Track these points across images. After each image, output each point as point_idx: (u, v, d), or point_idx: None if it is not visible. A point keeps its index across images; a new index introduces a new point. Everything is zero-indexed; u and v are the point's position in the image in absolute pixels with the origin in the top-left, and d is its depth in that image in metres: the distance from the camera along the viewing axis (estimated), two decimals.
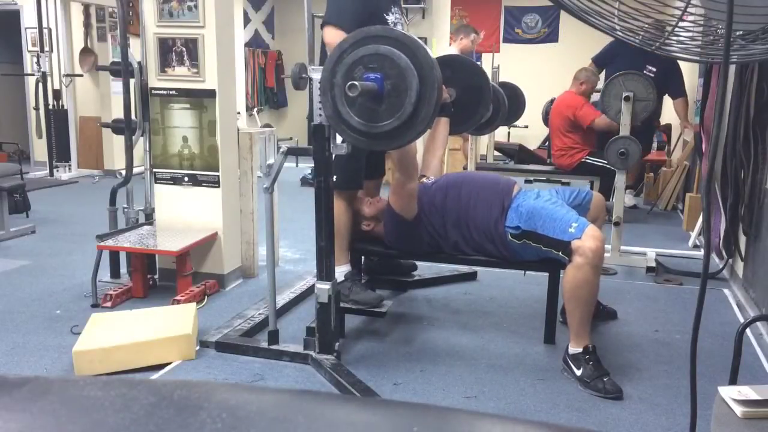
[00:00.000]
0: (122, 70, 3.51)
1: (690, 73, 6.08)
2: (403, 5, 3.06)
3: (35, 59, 7.16)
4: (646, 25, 1.98)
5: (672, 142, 7.02)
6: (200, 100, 3.40)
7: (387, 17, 2.84)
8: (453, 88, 3.21)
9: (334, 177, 2.58)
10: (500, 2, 9.71)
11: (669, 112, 7.45)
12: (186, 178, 3.49)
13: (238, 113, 4.69)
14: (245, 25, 9.54)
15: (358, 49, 2.19)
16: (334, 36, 2.70)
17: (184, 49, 3.37)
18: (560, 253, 2.50)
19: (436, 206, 2.76)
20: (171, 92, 3.44)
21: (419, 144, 2.99)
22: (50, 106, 7.30)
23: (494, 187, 2.79)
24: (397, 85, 2.15)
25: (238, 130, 3.68)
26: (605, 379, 2.43)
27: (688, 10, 1.57)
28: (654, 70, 5.13)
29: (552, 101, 6.23)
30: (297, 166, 8.22)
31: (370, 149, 2.67)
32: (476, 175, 2.92)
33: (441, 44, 7.97)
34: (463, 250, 2.78)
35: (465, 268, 3.69)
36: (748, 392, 1.37)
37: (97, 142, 7.63)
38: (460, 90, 3.26)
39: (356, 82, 2.08)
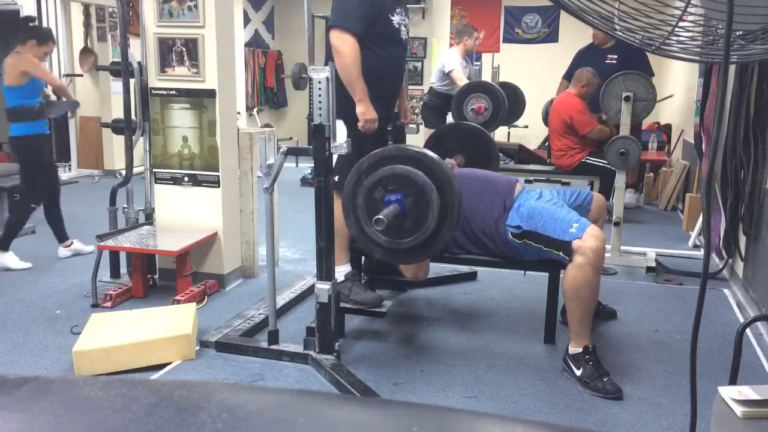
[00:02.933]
0: (122, 70, 3.51)
1: (690, 73, 6.08)
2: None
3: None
4: (647, 25, 1.98)
5: (672, 142, 7.02)
6: (200, 100, 3.40)
7: (392, 18, 2.84)
8: (460, 156, 3.29)
9: (336, 177, 2.58)
10: (500, 2, 9.71)
11: (669, 111, 7.46)
12: (186, 178, 3.49)
13: (238, 113, 4.69)
14: (245, 25, 9.54)
15: (375, 172, 2.27)
16: (340, 38, 2.70)
17: (184, 49, 3.37)
18: (561, 253, 2.50)
19: None
20: (171, 92, 3.44)
21: None
22: None
23: (496, 186, 2.79)
24: (417, 201, 2.23)
25: (238, 130, 3.69)
26: (605, 379, 2.43)
27: (688, 10, 1.57)
28: (615, 57, 5.30)
29: (552, 101, 6.23)
30: (297, 166, 8.21)
31: (400, 264, 2.81)
32: (478, 173, 2.91)
33: (441, 44, 7.97)
34: (465, 246, 2.78)
35: (465, 268, 3.69)
36: (748, 392, 1.37)
37: (97, 142, 7.63)
38: (467, 155, 3.34)
39: (381, 216, 2.15)
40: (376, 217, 2.16)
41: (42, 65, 3.86)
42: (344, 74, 2.68)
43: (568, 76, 5.63)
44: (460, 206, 2.27)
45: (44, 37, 3.92)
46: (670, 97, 6.71)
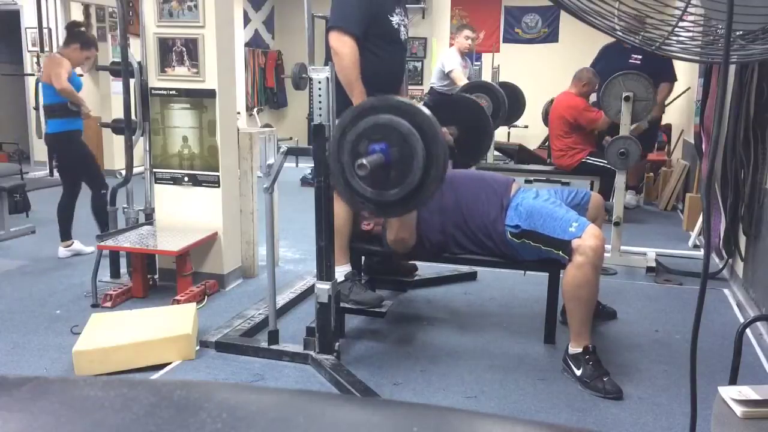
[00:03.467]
0: (122, 70, 3.51)
1: (690, 73, 6.08)
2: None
3: (35, 59, 7.16)
4: (647, 25, 1.98)
5: (672, 142, 7.02)
6: (200, 100, 3.40)
7: (391, 18, 2.84)
8: (453, 127, 3.25)
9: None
10: (500, 2, 9.71)
11: (669, 111, 7.45)
12: (186, 178, 3.49)
13: (238, 113, 4.69)
14: (245, 25, 9.54)
15: (358, 124, 2.21)
16: (339, 40, 2.70)
17: (184, 49, 3.37)
18: (560, 252, 2.50)
19: (435, 206, 2.76)
20: (171, 92, 3.44)
21: None
22: None
23: (492, 185, 2.79)
24: (402, 151, 2.16)
25: (238, 130, 3.69)
26: (605, 379, 2.43)
27: (688, 10, 1.57)
28: (639, 57, 5.23)
29: (552, 101, 6.23)
30: (297, 166, 8.21)
31: (385, 217, 2.71)
32: (474, 173, 2.92)
33: (441, 44, 7.97)
34: (464, 245, 2.77)
35: (465, 268, 3.69)
36: (748, 392, 1.37)
37: (97, 142, 7.62)
38: (460, 126, 3.30)
39: (364, 161, 2.10)
40: (359, 161, 2.09)
41: (65, 70, 3.96)
42: (343, 76, 2.68)
43: (594, 65, 5.60)
44: (446, 157, 2.19)
45: (88, 43, 4.19)
46: (688, 90, 6.57)
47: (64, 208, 4.17)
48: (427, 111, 2.22)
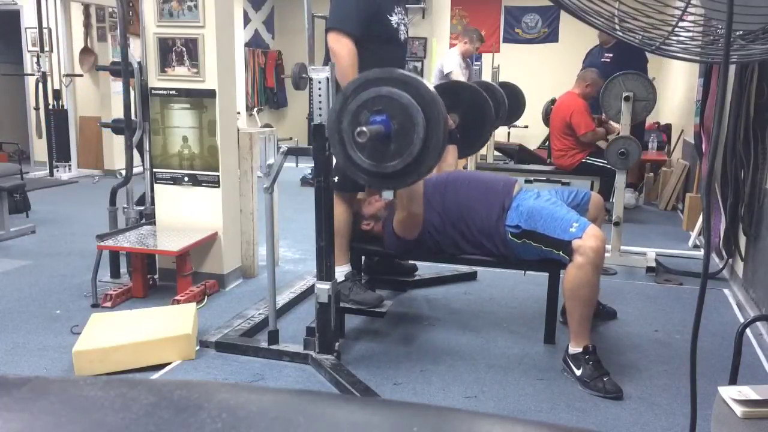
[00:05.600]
0: (122, 70, 3.51)
1: (690, 73, 6.08)
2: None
3: (35, 59, 7.16)
4: (647, 25, 1.98)
5: (672, 142, 7.02)
6: (200, 100, 3.40)
7: (390, 18, 2.84)
8: (455, 114, 3.25)
9: (335, 178, 2.58)
10: (500, 2, 9.71)
11: (669, 111, 7.46)
12: (186, 178, 3.49)
13: (238, 113, 4.69)
14: (245, 25, 9.54)
15: (360, 94, 2.21)
16: (338, 42, 2.70)
17: (184, 49, 3.37)
18: (561, 252, 2.50)
19: (435, 207, 2.76)
20: (171, 92, 3.44)
21: None
22: (50, 106, 7.30)
23: (494, 187, 2.79)
24: (403, 123, 2.16)
25: (238, 130, 3.68)
26: (605, 379, 2.43)
27: (688, 10, 1.57)
28: (610, 55, 5.37)
29: (552, 101, 6.23)
30: (297, 166, 8.22)
31: (384, 189, 2.68)
32: (475, 174, 2.91)
33: (441, 44, 7.97)
34: (463, 247, 2.77)
35: (465, 268, 3.69)
36: (748, 392, 1.37)
37: (97, 142, 7.63)
38: (462, 114, 3.30)
39: (364, 128, 2.09)
40: (359, 129, 2.09)
41: None
42: (341, 77, 2.68)
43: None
44: (445, 132, 2.18)
45: None
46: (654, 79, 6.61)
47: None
48: (430, 85, 2.22)
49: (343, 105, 2.23)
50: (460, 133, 3.26)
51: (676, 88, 7.17)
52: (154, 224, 3.60)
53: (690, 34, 1.80)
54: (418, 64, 8.00)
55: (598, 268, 2.47)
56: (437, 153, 2.19)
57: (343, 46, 2.69)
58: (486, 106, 3.42)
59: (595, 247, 2.42)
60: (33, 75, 7.42)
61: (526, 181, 6.57)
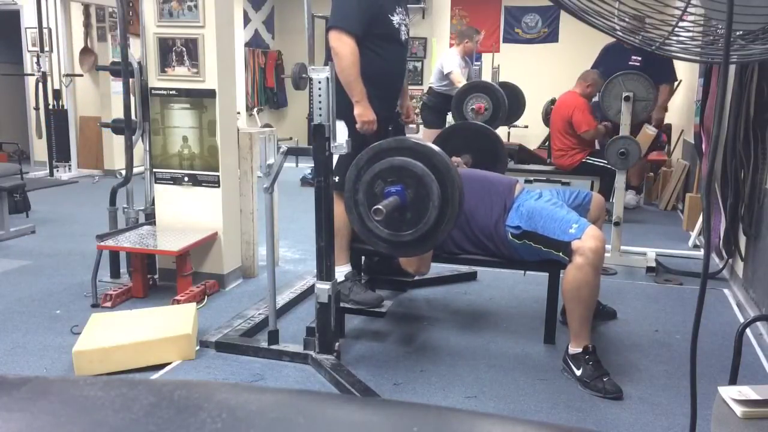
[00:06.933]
0: (122, 70, 3.51)
1: (690, 73, 6.08)
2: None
3: (35, 59, 7.16)
4: (647, 25, 1.98)
5: (672, 142, 7.02)
6: (200, 100, 3.40)
7: (392, 18, 2.84)
8: (467, 155, 3.27)
9: (336, 178, 2.58)
10: (500, 2, 9.71)
11: (669, 111, 7.45)
12: (186, 178, 3.49)
13: (238, 113, 4.69)
14: (245, 25, 9.54)
15: (373, 165, 2.25)
16: (339, 40, 2.70)
17: (184, 49, 3.37)
18: (561, 253, 2.50)
19: None
20: (171, 92, 3.44)
21: None
22: (50, 106, 7.30)
23: (496, 186, 2.79)
24: (418, 192, 2.21)
25: (238, 130, 3.68)
26: (605, 379, 2.43)
27: (688, 10, 1.57)
28: (639, 59, 5.20)
29: (552, 101, 6.23)
30: (297, 166, 8.22)
31: (401, 257, 2.77)
32: (478, 173, 2.91)
33: (441, 44, 7.97)
34: (464, 246, 2.78)
35: (465, 268, 3.69)
36: (748, 392, 1.37)
37: (97, 142, 7.63)
38: (474, 154, 3.33)
39: (380, 206, 2.13)
40: (375, 207, 2.13)
41: None
42: (342, 76, 2.68)
43: (595, 67, 5.59)
44: (461, 197, 2.24)
45: None
46: (680, 82, 6.52)
47: None
48: (442, 152, 2.26)
49: (357, 175, 2.29)
50: None
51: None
52: (154, 224, 3.60)
53: (690, 34, 1.80)
54: (418, 64, 8.00)
55: (597, 269, 2.47)
56: (453, 219, 2.24)
57: (344, 45, 2.69)
58: (498, 145, 3.47)
59: (594, 248, 2.42)
60: (33, 75, 7.42)
61: (526, 181, 6.57)
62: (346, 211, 2.39)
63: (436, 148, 2.29)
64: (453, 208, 2.21)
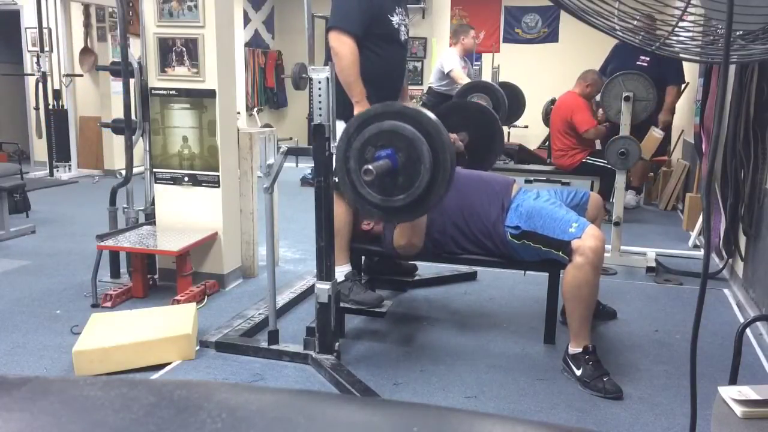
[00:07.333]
0: (122, 70, 3.51)
1: (690, 73, 6.08)
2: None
3: (35, 59, 7.16)
4: (646, 25, 1.98)
5: (672, 142, 7.02)
6: (200, 100, 3.40)
7: (391, 18, 2.84)
8: (464, 133, 3.25)
9: (335, 178, 2.58)
10: (500, 2, 9.71)
11: None
12: (186, 178, 3.49)
13: (238, 113, 4.69)
14: (245, 25, 9.54)
15: (363, 131, 2.22)
16: (339, 41, 2.70)
17: (184, 49, 3.37)
18: (560, 253, 2.50)
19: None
20: (171, 92, 3.44)
21: None
22: (50, 106, 7.30)
23: (493, 186, 2.79)
24: (409, 156, 2.18)
25: (238, 130, 3.68)
26: (605, 379, 2.43)
27: (688, 10, 1.57)
28: (647, 59, 5.17)
29: (552, 101, 6.23)
30: (297, 166, 8.21)
31: (393, 223, 2.70)
32: (475, 174, 2.91)
33: (441, 44, 7.97)
34: (464, 246, 2.77)
35: (465, 268, 3.69)
36: (748, 392, 1.37)
37: (97, 142, 7.63)
38: (471, 132, 3.30)
39: (370, 166, 2.11)
40: (365, 167, 2.10)
41: None
42: (342, 76, 2.68)
43: (603, 72, 5.55)
44: (452, 161, 2.20)
45: None
46: (687, 85, 6.51)
47: None
48: (432, 115, 2.23)
49: (348, 144, 2.26)
50: (471, 151, 3.27)
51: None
52: (154, 224, 3.60)
53: (690, 34, 1.80)
54: (418, 64, 8.00)
55: (597, 269, 2.47)
56: (445, 183, 2.21)
57: (344, 45, 2.69)
58: (494, 121, 3.44)
59: (594, 248, 2.42)
60: (33, 75, 7.42)
61: (526, 181, 6.57)
62: (339, 183, 2.34)
63: (425, 110, 2.26)
64: (444, 171, 2.17)
